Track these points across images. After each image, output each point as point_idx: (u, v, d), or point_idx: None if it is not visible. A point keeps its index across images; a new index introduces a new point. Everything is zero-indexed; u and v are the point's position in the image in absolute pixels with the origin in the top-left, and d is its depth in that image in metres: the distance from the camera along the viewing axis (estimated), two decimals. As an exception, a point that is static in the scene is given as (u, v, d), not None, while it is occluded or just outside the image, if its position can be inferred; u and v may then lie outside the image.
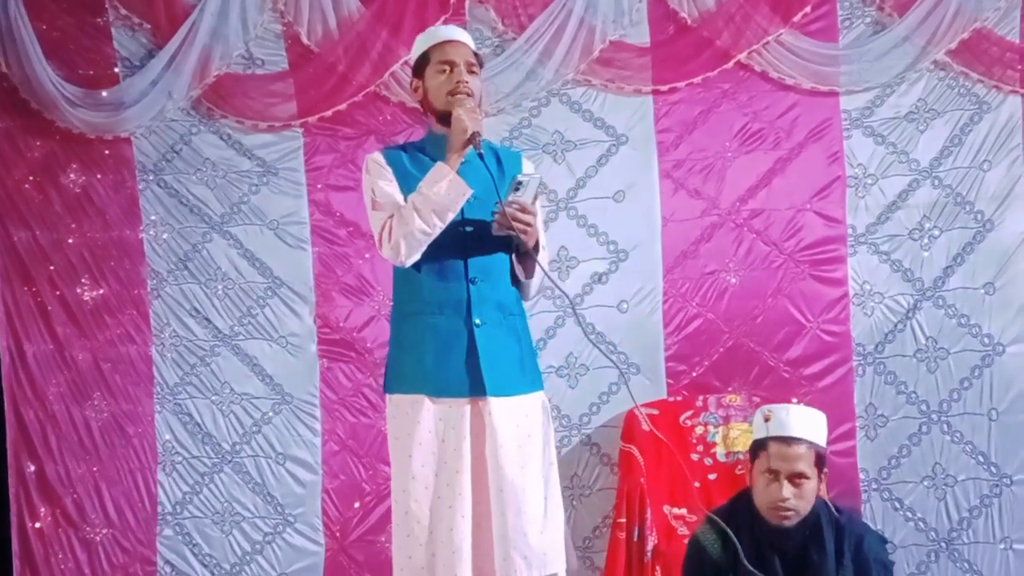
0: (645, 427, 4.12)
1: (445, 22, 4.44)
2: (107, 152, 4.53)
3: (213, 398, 4.54)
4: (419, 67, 3.06)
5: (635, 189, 4.45)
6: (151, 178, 4.56)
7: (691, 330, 4.45)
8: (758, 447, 3.33)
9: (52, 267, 4.52)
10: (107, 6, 4.50)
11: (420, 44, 3.09)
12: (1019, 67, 4.31)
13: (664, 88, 4.46)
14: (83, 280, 4.53)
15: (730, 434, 4.28)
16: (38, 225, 4.52)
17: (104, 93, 4.48)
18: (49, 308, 4.51)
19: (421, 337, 2.97)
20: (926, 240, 4.40)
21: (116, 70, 4.52)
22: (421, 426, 2.92)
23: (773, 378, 4.38)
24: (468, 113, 2.91)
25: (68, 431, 4.50)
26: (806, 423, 3.33)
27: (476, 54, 3.07)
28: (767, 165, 4.45)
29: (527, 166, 3.14)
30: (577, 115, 4.51)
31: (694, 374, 4.44)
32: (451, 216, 2.89)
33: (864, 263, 4.41)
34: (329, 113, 4.50)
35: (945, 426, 4.35)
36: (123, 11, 4.50)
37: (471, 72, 3.00)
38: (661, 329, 4.45)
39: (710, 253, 4.47)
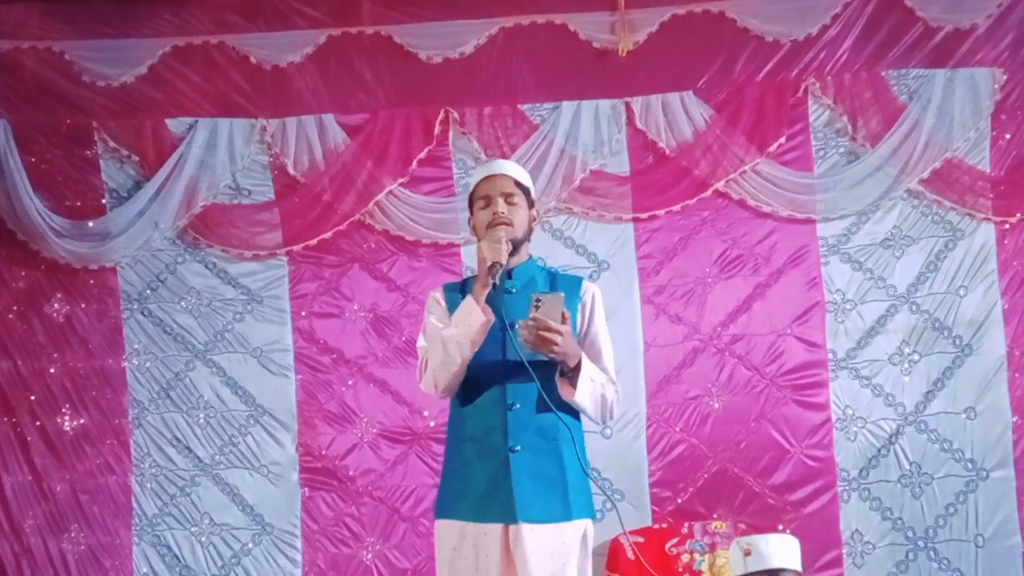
0: (630, 556, 4.07)
1: (429, 153, 4.55)
2: (92, 282, 4.55)
3: (192, 529, 4.47)
4: (471, 205, 3.11)
5: (617, 315, 4.44)
6: (135, 307, 4.57)
7: (675, 456, 4.44)
8: None
9: (33, 397, 4.50)
10: (96, 139, 4.57)
11: (472, 184, 3.13)
12: (990, 195, 4.41)
13: (644, 216, 4.54)
14: (64, 410, 4.50)
15: (716, 562, 4.23)
16: (20, 355, 4.51)
17: (91, 223, 4.52)
18: (28, 438, 4.46)
19: (459, 464, 2.97)
20: (906, 365, 4.43)
21: (103, 201, 4.58)
22: (456, 552, 2.92)
23: (758, 504, 4.35)
24: (489, 244, 2.92)
25: (44, 565, 4.42)
26: (785, 552, 3.40)
27: (518, 183, 3.04)
28: (747, 291, 4.51)
29: (587, 290, 3.07)
30: (559, 242, 4.57)
31: (679, 500, 4.41)
32: (473, 347, 2.88)
33: (846, 388, 4.43)
34: (314, 241, 4.56)
35: (932, 553, 4.32)
36: (112, 144, 4.56)
37: (509, 203, 3.00)
38: (645, 455, 4.44)
39: (692, 378, 4.48)
